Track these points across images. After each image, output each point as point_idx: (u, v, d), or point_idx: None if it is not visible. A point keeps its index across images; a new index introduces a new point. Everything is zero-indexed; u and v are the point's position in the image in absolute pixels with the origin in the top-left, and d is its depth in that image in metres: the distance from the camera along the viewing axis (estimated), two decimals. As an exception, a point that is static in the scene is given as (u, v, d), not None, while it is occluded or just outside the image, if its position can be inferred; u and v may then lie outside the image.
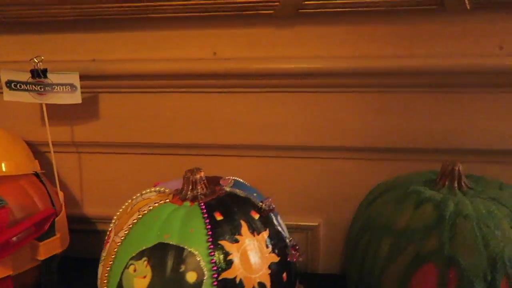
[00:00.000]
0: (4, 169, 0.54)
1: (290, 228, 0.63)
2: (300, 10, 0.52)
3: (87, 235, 0.68)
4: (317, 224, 0.64)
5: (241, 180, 0.48)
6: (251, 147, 0.61)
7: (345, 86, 0.55)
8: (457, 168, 0.44)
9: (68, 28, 0.59)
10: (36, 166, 0.61)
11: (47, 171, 0.62)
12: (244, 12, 0.53)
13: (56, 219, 0.55)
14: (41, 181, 0.59)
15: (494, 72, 0.53)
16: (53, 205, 0.58)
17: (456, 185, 0.44)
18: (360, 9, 0.50)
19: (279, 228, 0.44)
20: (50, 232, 0.54)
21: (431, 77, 0.53)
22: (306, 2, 0.51)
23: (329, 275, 0.64)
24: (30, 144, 0.63)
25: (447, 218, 0.40)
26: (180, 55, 0.58)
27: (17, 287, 0.52)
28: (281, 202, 0.62)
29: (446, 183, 0.45)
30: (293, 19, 0.54)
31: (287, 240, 0.44)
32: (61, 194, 0.63)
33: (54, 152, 0.61)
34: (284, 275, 0.43)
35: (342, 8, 0.50)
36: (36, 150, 0.64)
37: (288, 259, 0.43)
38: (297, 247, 0.44)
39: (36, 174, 0.59)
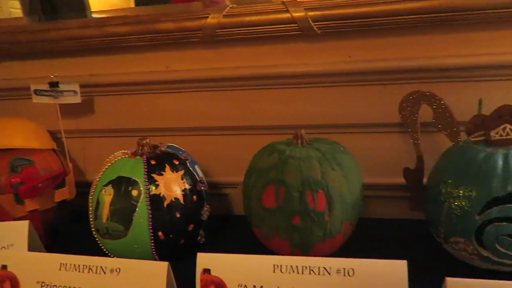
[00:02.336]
0: (35, 145, 0.85)
1: (225, 184, 0.92)
2: (215, 38, 0.82)
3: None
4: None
5: (174, 145, 0.78)
6: (192, 129, 0.91)
7: (251, 85, 0.85)
8: (299, 133, 0.72)
9: (72, 55, 0.91)
10: (54, 145, 0.92)
11: (62, 149, 0.93)
12: (180, 40, 0.84)
13: (65, 177, 0.86)
14: (57, 154, 0.90)
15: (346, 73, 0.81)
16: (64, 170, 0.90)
17: (299, 142, 0.72)
18: (253, 35, 0.79)
19: (193, 171, 0.73)
20: (62, 185, 0.85)
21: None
22: (217, 33, 0.81)
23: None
24: (50, 132, 0.94)
25: (282, 159, 0.68)
26: (142, 69, 0.89)
27: (43, 219, 0.83)
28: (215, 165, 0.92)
29: (294, 141, 0.73)
30: (214, 44, 0.84)
31: (198, 178, 0.73)
32: (70, 165, 0.94)
33: (65, 137, 0.93)
34: (194, 197, 0.72)
35: (241, 35, 0.80)
36: (54, 136, 0.96)
37: (197, 188, 0.72)
38: (203, 182, 0.73)
39: (54, 150, 0.90)
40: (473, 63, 0.74)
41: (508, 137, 0.63)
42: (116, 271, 0.55)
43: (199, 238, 0.76)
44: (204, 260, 0.55)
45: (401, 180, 0.81)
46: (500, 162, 0.61)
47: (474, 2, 0.69)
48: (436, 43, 0.76)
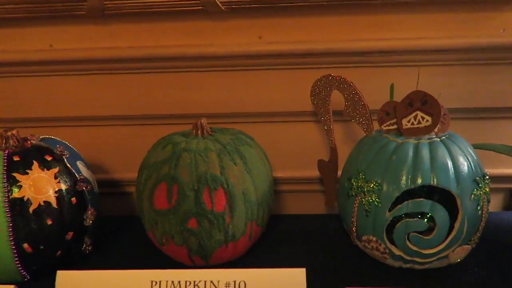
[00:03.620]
0: None
1: (128, 182, 0.80)
2: (104, 12, 0.70)
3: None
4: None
5: (52, 137, 0.65)
6: (80, 118, 0.78)
7: (149, 68, 0.74)
8: (199, 122, 0.63)
9: None
10: None
11: None
12: (64, 13, 0.70)
13: None
14: None
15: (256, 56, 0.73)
16: None
17: (199, 133, 0.63)
18: (148, 10, 0.68)
19: (72, 168, 0.61)
20: None
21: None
22: (105, 5, 0.69)
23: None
24: None
25: (176, 152, 0.58)
26: (18, 47, 0.74)
27: None
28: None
29: (194, 132, 0.63)
30: (103, 18, 0.72)
31: (78, 176, 0.62)
32: None
33: None
34: (74, 199, 0.60)
35: (134, 9, 0.68)
36: None
37: (78, 188, 0.61)
38: (86, 181, 0.62)
39: None
40: (385, 47, 0.69)
41: (419, 125, 0.58)
42: None
43: (84, 246, 0.64)
44: (64, 279, 0.46)
45: (316, 173, 0.75)
46: (410, 153, 0.56)
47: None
48: (348, 26, 0.70)
